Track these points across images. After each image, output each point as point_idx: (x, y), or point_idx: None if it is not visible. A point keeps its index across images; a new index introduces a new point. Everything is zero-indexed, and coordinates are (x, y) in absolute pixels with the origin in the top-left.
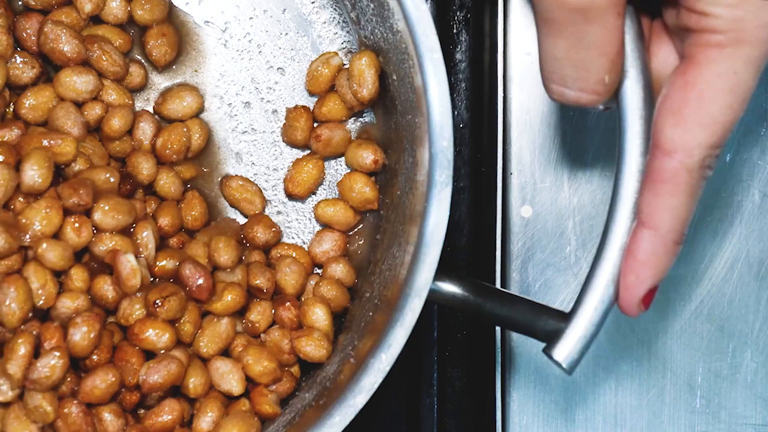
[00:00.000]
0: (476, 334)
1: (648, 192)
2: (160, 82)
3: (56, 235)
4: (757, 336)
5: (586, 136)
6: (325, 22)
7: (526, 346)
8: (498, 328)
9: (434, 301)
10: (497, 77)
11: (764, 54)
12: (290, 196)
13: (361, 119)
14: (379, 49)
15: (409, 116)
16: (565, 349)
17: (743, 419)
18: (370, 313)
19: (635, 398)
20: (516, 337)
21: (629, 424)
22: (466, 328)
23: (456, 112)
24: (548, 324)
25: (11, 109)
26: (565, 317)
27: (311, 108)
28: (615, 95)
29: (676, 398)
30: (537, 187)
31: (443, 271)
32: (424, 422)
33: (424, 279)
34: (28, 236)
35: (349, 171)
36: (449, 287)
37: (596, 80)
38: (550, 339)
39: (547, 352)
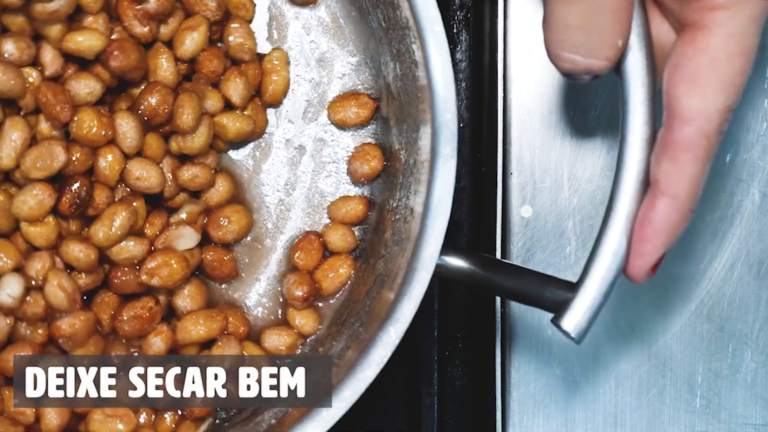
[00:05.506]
0: (476, 333)
1: (666, 161)
2: None
3: None
4: (757, 336)
5: (586, 136)
6: None
7: (526, 345)
8: (498, 328)
9: (441, 275)
10: (497, 77)
11: (764, 9)
12: None
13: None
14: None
15: (412, 90)
16: (574, 318)
17: (743, 419)
18: (379, 289)
19: (635, 398)
20: (516, 336)
21: (629, 424)
22: (466, 327)
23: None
24: (556, 294)
25: None
26: (573, 287)
27: None
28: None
29: (676, 398)
30: (537, 187)
31: (449, 245)
32: (424, 422)
33: (431, 251)
34: None
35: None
36: (456, 261)
37: (610, 45)
38: (558, 309)
39: (556, 321)
